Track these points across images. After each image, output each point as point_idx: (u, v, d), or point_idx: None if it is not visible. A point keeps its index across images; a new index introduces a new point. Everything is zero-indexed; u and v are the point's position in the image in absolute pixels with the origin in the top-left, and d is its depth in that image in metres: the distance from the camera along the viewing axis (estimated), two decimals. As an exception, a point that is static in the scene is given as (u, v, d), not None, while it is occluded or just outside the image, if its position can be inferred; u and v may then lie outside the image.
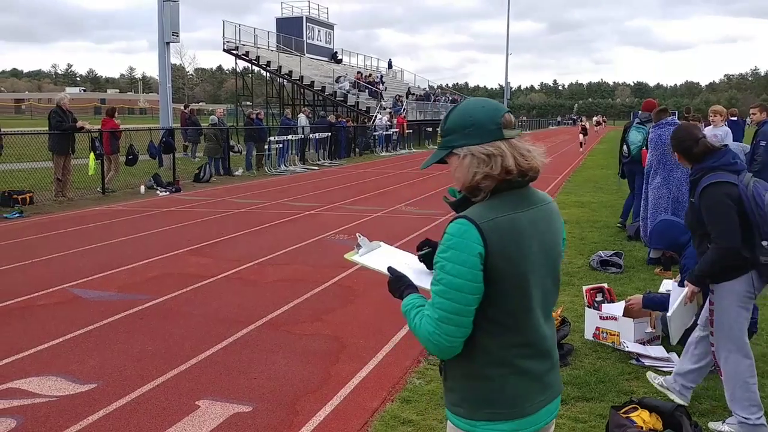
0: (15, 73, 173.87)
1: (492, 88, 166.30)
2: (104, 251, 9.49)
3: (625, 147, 10.70)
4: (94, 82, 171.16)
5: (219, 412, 4.48)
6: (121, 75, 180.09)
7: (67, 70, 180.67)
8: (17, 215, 12.76)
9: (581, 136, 36.73)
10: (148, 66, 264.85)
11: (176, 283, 7.67)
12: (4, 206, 13.40)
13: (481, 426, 2.15)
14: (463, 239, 2.03)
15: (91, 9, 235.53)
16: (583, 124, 39.38)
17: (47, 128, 15.28)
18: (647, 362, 5.31)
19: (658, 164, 8.67)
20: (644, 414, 3.98)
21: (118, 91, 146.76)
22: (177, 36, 21.66)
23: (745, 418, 4.11)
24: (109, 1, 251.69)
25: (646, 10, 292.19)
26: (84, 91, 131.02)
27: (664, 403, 4.15)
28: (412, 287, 2.25)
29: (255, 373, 5.14)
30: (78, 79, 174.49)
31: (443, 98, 52.57)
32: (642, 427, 3.85)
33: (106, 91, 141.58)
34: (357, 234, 2.66)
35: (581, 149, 35.03)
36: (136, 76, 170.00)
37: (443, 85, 64.13)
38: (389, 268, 2.34)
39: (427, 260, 2.36)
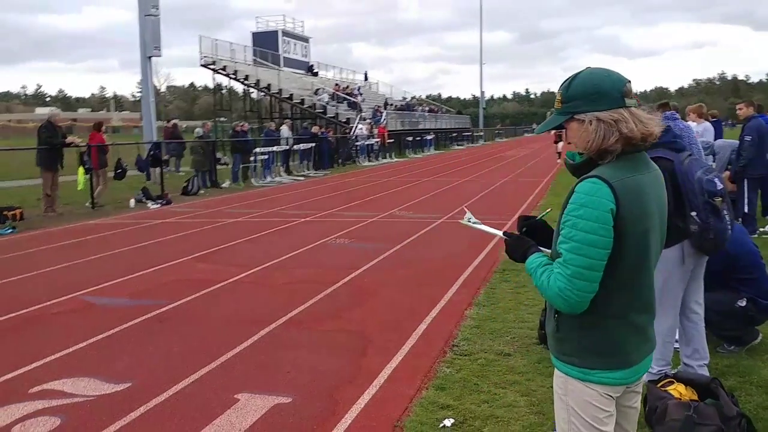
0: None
1: (465, 99, 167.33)
2: (109, 261, 9.46)
3: None
4: (64, 102, 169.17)
5: (260, 404, 4.53)
6: (92, 94, 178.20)
7: (36, 90, 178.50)
8: (10, 231, 12.64)
9: (557, 145, 30.24)
10: (119, 85, 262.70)
11: (188, 288, 7.68)
12: (-4, 222, 13.28)
13: (595, 374, 2.29)
14: (595, 197, 2.16)
15: (61, 29, 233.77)
16: (559, 131, 32.41)
17: (35, 145, 15.19)
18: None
19: None
20: (680, 387, 4.10)
21: (90, 110, 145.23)
22: (159, 50, 21.64)
23: (650, 368, 4.50)
24: (80, 21, 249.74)
25: (616, 18, 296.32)
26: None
27: (699, 376, 4.29)
28: (535, 247, 2.37)
29: (287, 367, 5.19)
30: (48, 99, 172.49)
31: (419, 108, 52.90)
32: (681, 398, 3.97)
33: (77, 111, 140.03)
34: (464, 207, 2.85)
35: (559, 160, 28.92)
36: (107, 96, 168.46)
37: (417, 96, 64.55)
38: (505, 233, 2.47)
39: (536, 232, 2.48)
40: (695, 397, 4.06)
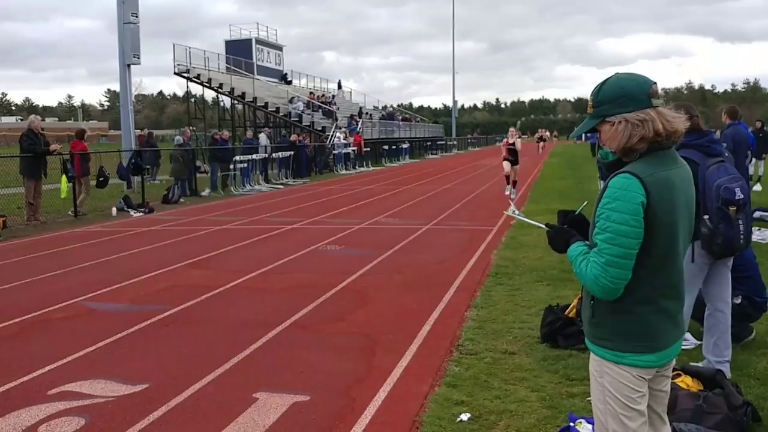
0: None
1: (436, 108, 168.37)
2: (102, 268, 9.47)
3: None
4: (30, 111, 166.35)
5: (279, 402, 4.64)
6: (59, 103, 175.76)
7: (1, 99, 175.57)
8: (-6, 239, 12.54)
9: (508, 165, 18.13)
10: (86, 94, 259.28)
11: (186, 294, 7.74)
12: (-21, 231, 13.16)
13: (627, 357, 2.46)
14: (627, 191, 2.34)
15: (27, 37, 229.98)
16: (509, 142, 18.46)
17: (18, 152, 15.08)
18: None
19: None
20: (687, 379, 4.30)
21: (56, 119, 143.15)
22: (138, 58, 21.57)
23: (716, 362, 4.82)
24: (46, 30, 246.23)
25: (584, 28, 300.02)
26: (21, 120, 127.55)
27: (705, 368, 4.49)
28: (576, 237, 2.53)
29: (300, 368, 5.30)
30: (14, 108, 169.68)
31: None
32: (689, 389, 4.17)
33: (44, 120, 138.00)
34: (510, 200, 3.03)
35: (512, 197, 17.33)
36: (75, 104, 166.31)
37: (390, 105, 64.99)
38: (548, 224, 2.63)
39: (575, 225, 2.64)
40: (702, 388, 4.26)
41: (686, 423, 3.88)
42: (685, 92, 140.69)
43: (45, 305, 7.33)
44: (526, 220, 2.94)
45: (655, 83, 2.46)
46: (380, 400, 4.66)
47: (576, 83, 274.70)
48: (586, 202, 2.77)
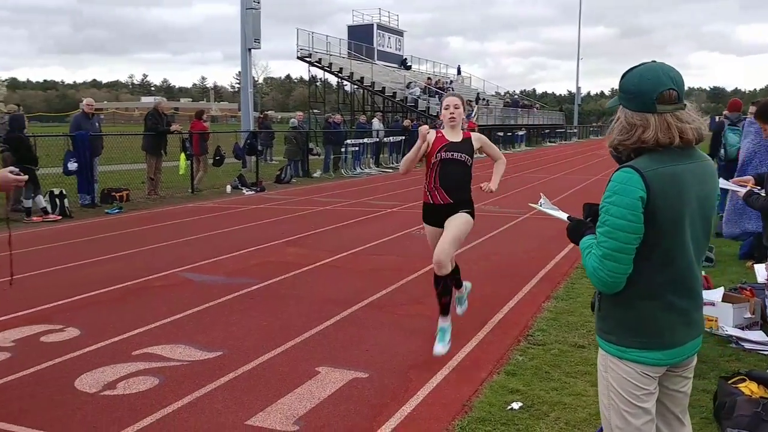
0: (95, 84, 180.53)
1: (561, 94, 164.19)
2: (205, 242, 10.04)
3: (722, 150, 10.87)
4: (168, 91, 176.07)
5: (338, 377, 4.83)
6: (194, 84, 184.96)
7: (142, 80, 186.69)
8: (117, 211, 13.53)
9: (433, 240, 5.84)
10: (219, 76, 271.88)
11: (278, 270, 8.10)
12: (105, 203, 14.23)
13: (630, 352, 2.43)
14: (627, 185, 2.31)
15: (170, 22, 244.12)
16: (441, 154, 5.82)
17: (141, 131, 16.14)
18: (747, 346, 5.41)
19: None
20: (752, 385, 4.13)
21: (190, 100, 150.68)
22: (258, 42, 22.38)
23: None
24: (187, 15, 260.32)
25: (724, 14, 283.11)
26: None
27: (772, 374, 4.29)
28: (591, 229, 2.53)
29: (366, 346, 5.47)
30: (152, 88, 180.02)
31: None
32: (751, 396, 4.01)
33: (179, 100, 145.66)
34: (540, 193, 3.06)
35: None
36: (208, 86, 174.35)
37: (511, 92, 63.86)
38: (569, 217, 2.66)
39: (595, 220, 2.63)
40: (767, 395, 4.08)
41: (740, 430, 3.75)
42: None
43: (149, 273, 7.89)
44: (551, 213, 2.94)
45: (672, 88, 2.33)
46: (436, 382, 4.76)
47: (710, 71, 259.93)
48: None
